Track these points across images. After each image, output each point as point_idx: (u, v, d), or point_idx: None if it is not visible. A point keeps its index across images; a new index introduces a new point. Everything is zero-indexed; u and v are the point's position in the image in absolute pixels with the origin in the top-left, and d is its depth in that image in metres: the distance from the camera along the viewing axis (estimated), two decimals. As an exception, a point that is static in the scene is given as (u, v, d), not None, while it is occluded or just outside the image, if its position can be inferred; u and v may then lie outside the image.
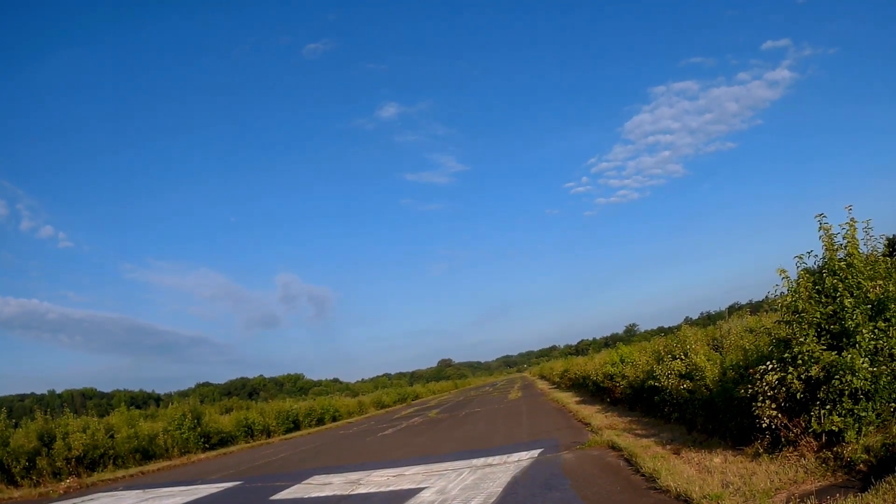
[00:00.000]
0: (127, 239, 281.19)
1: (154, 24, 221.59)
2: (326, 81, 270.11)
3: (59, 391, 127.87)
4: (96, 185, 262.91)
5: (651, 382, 16.58)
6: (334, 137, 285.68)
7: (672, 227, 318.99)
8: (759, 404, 9.38)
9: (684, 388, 14.29)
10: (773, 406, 9.26)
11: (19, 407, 69.75)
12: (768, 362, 9.49)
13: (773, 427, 9.42)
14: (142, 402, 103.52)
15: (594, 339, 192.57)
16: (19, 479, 21.51)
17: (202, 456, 30.63)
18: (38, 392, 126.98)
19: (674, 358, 15.34)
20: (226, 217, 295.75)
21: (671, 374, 14.99)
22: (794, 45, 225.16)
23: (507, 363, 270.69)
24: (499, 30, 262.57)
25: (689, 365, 14.50)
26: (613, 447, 13.77)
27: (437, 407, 52.65)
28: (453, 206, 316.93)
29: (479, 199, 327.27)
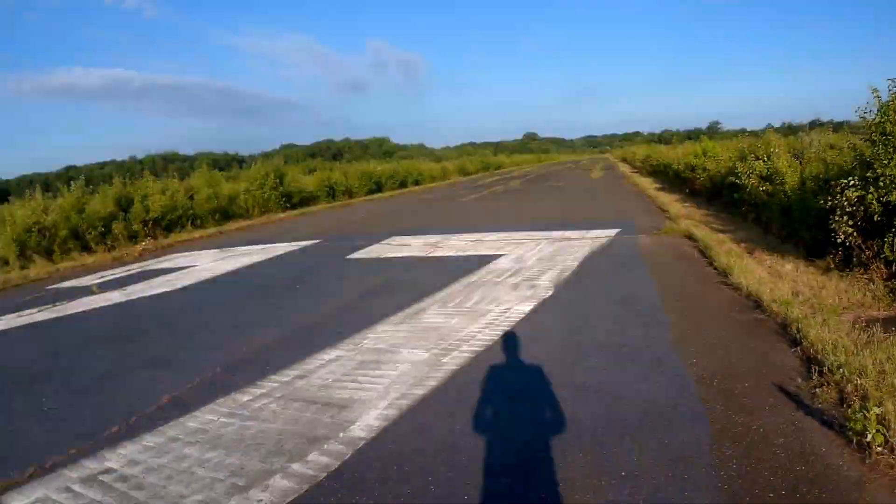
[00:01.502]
0: (216, 5, 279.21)
1: None
2: None
3: (140, 157, 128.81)
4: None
5: (731, 179, 16.31)
6: None
7: (772, 26, 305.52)
8: (836, 218, 9.12)
9: (763, 190, 14.03)
10: (850, 223, 9.00)
11: (99, 175, 70.11)
12: (850, 178, 9.21)
13: (847, 245, 9.19)
14: (225, 164, 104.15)
15: (677, 130, 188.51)
16: (94, 246, 21.64)
17: (282, 215, 31.03)
18: (119, 159, 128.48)
19: (757, 158, 15.05)
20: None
21: (752, 173, 14.73)
22: None
23: (591, 143, 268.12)
24: None
25: (770, 168, 14.22)
26: (690, 237, 13.81)
27: (519, 178, 52.94)
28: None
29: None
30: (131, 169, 38.81)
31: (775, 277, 9.69)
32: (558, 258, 12.48)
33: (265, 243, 19.70)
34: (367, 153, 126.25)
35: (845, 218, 9.09)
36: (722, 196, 18.91)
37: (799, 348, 6.25)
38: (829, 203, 9.31)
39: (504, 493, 4.12)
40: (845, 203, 9.08)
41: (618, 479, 4.12)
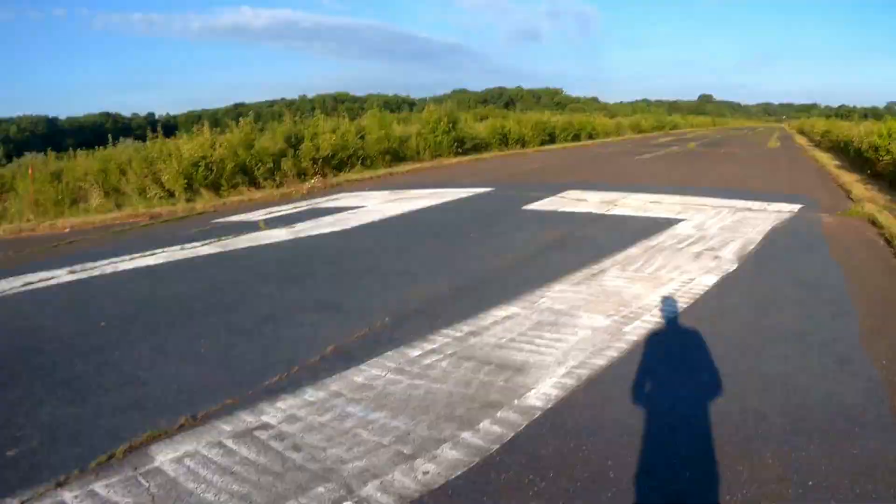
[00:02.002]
0: None
1: None
2: None
3: (310, 96, 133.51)
4: None
5: None
6: None
7: None
8: None
9: None
10: None
11: (268, 113, 71.51)
12: None
13: None
14: (395, 106, 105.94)
15: (854, 106, 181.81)
16: (262, 182, 21.84)
17: (454, 160, 31.17)
18: (289, 98, 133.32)
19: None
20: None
21: None
22: None
23: (767, 111, 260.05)
24: None
25: None
26: (874, 222, 12.87)
27: (694, 140, 51.75)
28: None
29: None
30: (301, 108, 39.84)
31: None
32: (741, 229, 11.97)
33: (437, 187, 19.70)
34: (540, 103, 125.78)
35: None
36: None
37: None
38: None
39: (686, 492, 3.88)
40: None
41: (804, 489, 3.85)
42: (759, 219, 13.15)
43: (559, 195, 16.77)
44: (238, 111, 73.67)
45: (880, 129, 22.55)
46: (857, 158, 26.04)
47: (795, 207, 14.68)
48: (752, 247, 10.50)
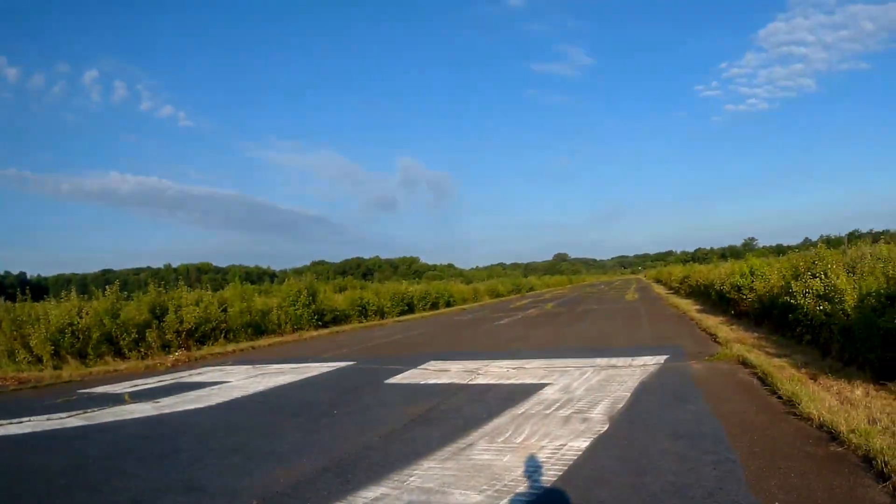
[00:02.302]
0: (248, 118, 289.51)
1: None
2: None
3: (175, 265, 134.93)
4: (216, 63, 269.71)
5: (785, 299, 15.75)
6: (459, 24, 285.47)
7: (799, 144, 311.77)
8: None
9: (820, 310, 13.53)
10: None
11: (134, 280, 71.94)
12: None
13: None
14: (257, 277, 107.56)
15: (711, 248, 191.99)
16: (127, 352, 21.90)
17: (314, 333, 31.05)
18: (154, 266, 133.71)
19: (813, 276, 14.65)
20: (348, 98, 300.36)
21: (808, 292, 14.33)
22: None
23: (623, 264, 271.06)
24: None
25: (828, 286, 13.82)
26: (744, 363, 13.14)
27: (552, 300, 52.75)
28: (579, 100, 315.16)
29: (604, 95, 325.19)
30: (166, 277, 39.76)
31: (846, 405, 9.07)
32: (608, 388, 11.88)
33: (299, 362, 19.48)
34: (397, 273, 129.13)
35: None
36: (772, 317, 18.25)
37: (889, 483, 5.76)
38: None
39: None
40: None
41: None
42: (625, 375, 13.15)
43: (421, 367, 16.55)
44: (106, 277, 73.62)
45: (742, 268, 23.45)
46: (719, 301, 26.86)
47: (661, 358, 14.81)
48: (621, 404, 10.38)
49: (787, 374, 11.25)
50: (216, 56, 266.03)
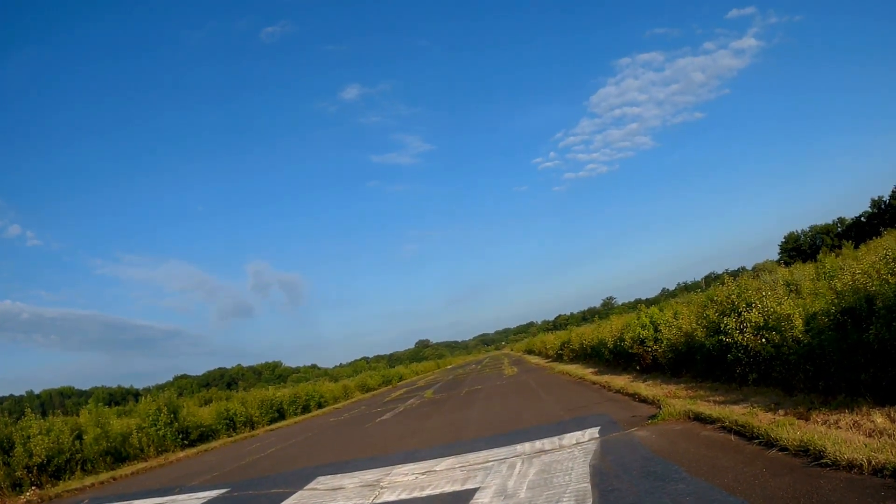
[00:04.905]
0: (95, 234, 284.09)
1: (109, 16, 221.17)
2: (286, 65, 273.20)
3: (37, 391, 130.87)
4: (60, 181, 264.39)
5: (712, 341, 14.46)
6: (298, 121, 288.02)
7: (642, 200, 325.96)
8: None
9: (765, 342, 12.21)
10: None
11: None
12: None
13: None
14: (120, 398, 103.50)
15: (571, 313, 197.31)
16: None
17: (181, 454, 28.59)
18: (17, 394, 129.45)
19: (748, 308, 13.04)
20: (193, 206, 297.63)
21: (746, 327, 12.71)
22: (760, 12, 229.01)
23: (485, 341, 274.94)
24: (459, 4, 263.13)
25: (768, 315, 12.24)
26: (698, 418, 11.12)
27: (429, 387, 50.78)
28: (421, 186, 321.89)
29: (446, 179, 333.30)
30: (30, 404, 36.63)
31: (881, 437, 7.44)
32: (556, 481, 9.20)
33: (165, 495, 16.40)
34: (262, 379, 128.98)
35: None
36: (694, 364, 16.86)
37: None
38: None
39: None
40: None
41: None
42: (564, 460, 10.61)
43: (309, 488, 13.45)
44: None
45: (642, 320, 22.04)
46: (616, 359, 25.42)
47: (593, 432, 12.50)
48: (590, 501, 7.89)
49: (767, 420, 9.41)
50: (59, 172, 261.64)
